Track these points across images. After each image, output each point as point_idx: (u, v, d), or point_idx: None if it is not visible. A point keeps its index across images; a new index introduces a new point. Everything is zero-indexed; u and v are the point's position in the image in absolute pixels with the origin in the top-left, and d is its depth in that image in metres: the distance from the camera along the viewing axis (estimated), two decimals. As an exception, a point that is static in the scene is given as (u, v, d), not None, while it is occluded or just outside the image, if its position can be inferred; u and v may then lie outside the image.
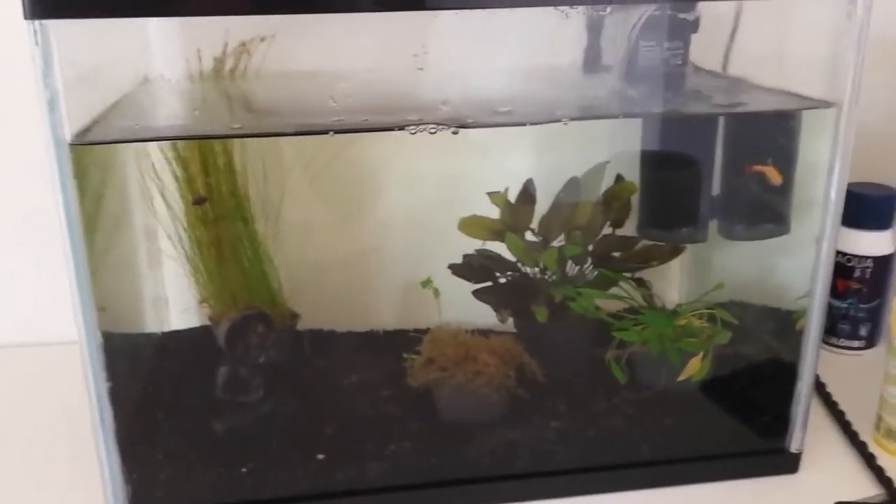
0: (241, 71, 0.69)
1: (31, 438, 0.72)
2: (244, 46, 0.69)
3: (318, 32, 0.66)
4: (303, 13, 0.54)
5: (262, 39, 0.68)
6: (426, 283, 0.68)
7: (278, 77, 0.71)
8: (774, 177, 0.68)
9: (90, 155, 0.55)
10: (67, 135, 0.50)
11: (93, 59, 0.56)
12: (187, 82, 0.68)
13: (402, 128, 0.57)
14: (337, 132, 0.57)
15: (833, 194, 0.59)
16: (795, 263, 0.66)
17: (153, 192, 0.69)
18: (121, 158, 0.68)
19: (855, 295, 0.84)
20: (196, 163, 0.68)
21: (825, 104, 0.59)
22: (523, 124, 0.66)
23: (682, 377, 0.66)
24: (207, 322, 0.72)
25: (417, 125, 0.57)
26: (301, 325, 0.73)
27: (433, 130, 0.56)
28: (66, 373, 0.75)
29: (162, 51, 0.69)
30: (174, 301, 0.77)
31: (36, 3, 0.47)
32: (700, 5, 0.65)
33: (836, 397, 0.75)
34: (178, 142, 0.68)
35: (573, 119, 0.62)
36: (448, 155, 0.71)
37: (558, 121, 0.62)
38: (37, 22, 0.48)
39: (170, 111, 0.69)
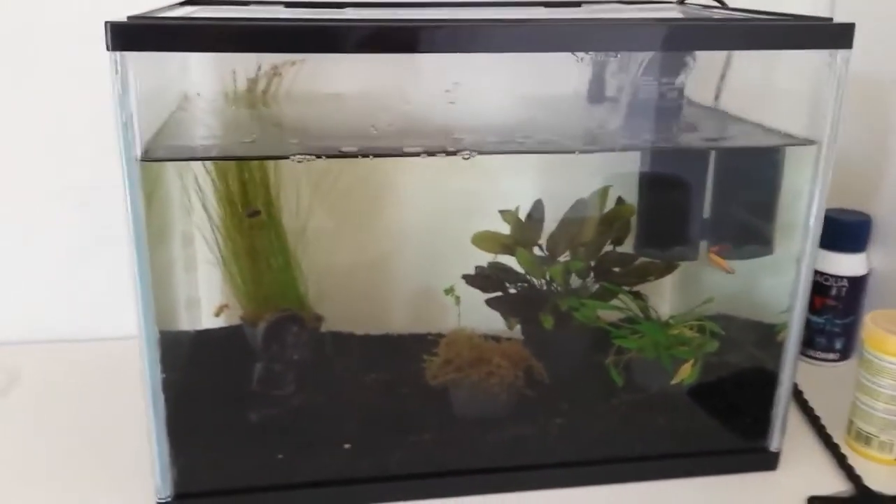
0: (274, 92, 0.74)
1: (85, 425, 0.75)
2: (276, 69, 0.74)
3: (344, 59, 0.71)
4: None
5: (293, 64, 0.73)
6: (449, 290, 0.71)
7: (312, 100, 0.76)
8: (726, 269, 0.72)
9: (148, 169, 0.60)
10: (138, 153, 0.55)
11: (151, 83, 0.60)
12: (222, 100, 0.72)
13: (432, 153, 0.62)
14: (376, 156, 0.62)
15: (812, 220, 0.64)
16: (777, 281, 0.69)
17: (194, 203, 0.74)
18: (167, 172, 0.71)
19: (831, 311, 0.88)
20: (236, 178, 0.73)
21: (807, 142, 0.63)
22: (536, 152, 0.70)
23: (674, 381, 0.70)
24: (237, 322, 0.76)
25: (447, 152, 0.61)
26: (324, 328, 0.77)
27: (467, 157, 0.61)
28: (112, 366, 0.81)
29: (199, 70, 0.73)
30: (205, 302, 0.81)
31: (117, 37, 0.52)
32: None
33: (812, 403, 0.78)
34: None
35: (582, 151, 0.67)
36: (465, 177, 0.73)
37: (570, 152, 0.67)
38: (118, 53, 0.52)
39: (213, 131, 0.72)
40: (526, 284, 0.76)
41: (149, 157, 0.57)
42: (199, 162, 0.72)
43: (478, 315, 0.74)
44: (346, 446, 0.67)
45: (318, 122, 0.74)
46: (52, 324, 0.93)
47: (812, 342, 0.90)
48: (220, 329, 0.80)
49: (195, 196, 0.73)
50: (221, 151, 0.70)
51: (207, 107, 0.73)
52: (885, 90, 0.85)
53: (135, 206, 0.56)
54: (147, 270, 0.58)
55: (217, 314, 0.79)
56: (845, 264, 0.87)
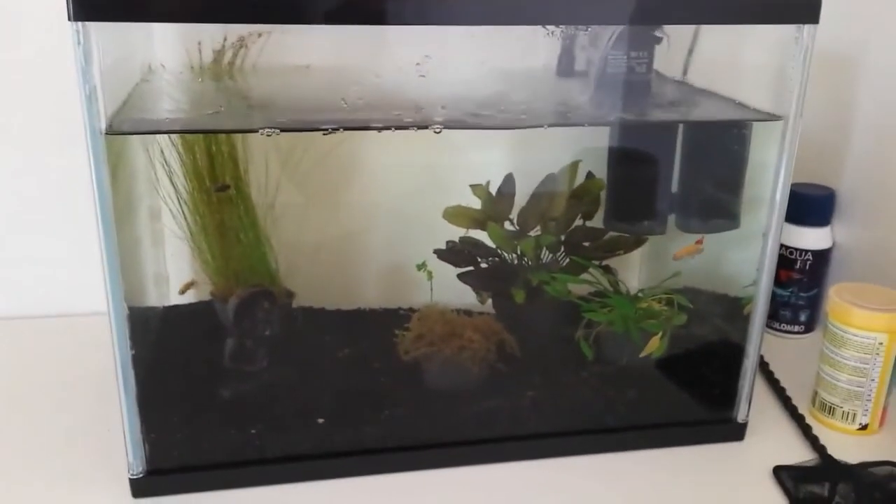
0: (240, 64, 0.73)
1: (57, 402, 0.75)
2: (242, 41, 0.73)
3: (313, 30, 0.70)
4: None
5: (260, 35, 0.72)
6: (421, 266, 0.71)
7: (280, 73, 0.74)
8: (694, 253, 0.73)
9: (114, 143, 0.59)
10: (103, 125, 0.54)
11: (115, 54, 0.59)
12: (188, 73, 0.71)
13: (403, 127, 0.61)
14: (346, 129, 0.61)
15: (778, 195, 0.64)
16: (743, 255, 0.70)
17: (161, 177, 0.72)
18: (133, 145, 0.70)
19: (796, 284, 0.89)
20: (203, 152, 0.72)
21: (773, 117, 0.64)
22: (506, 128, 0.70)
23: (643, 354, 0.71)
24: (207, 298, 0.76)
25: (418, 126, 0.61)
26: (295, 303, 0.77)
27: (438, 130, 0.61)
28: (85, 342, 0.81)
29: (163, 41, 0.72)
30: (174, 278, 0.81)
31: (79, 6, 0.50)
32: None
33: (777, 375, 0.80)
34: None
35: (552, 125, 0.67)
36: (436, 151, 0.74)
37: (539, 126, 0.67)
38: (79, 23, 0.51)
39: (179, 104, 0.71)
40: (497, 259, 0.76)
41: (113, 131, 0.56)
42: (165, 135, 0.71)
43: (449, 290, 0.75)
44: (320, 421, 0.67)
45: (286, 95, 0.73)
46: (20, 300, 0.92)
47: (777, 315, 0.91)
48: (190, 305, 0.79)
49: (162, 170, 0.72)
50: (187, 124, 0.69)
51: (172, 79, 0.72)
52: (847, 65, 0.86)
53: (100, 180, 0.55)
54: (114, 245, 0.57)
55: (182, 292, 0.78)
56: (810, 238, 0.88)
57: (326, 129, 0.62)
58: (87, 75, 0.53)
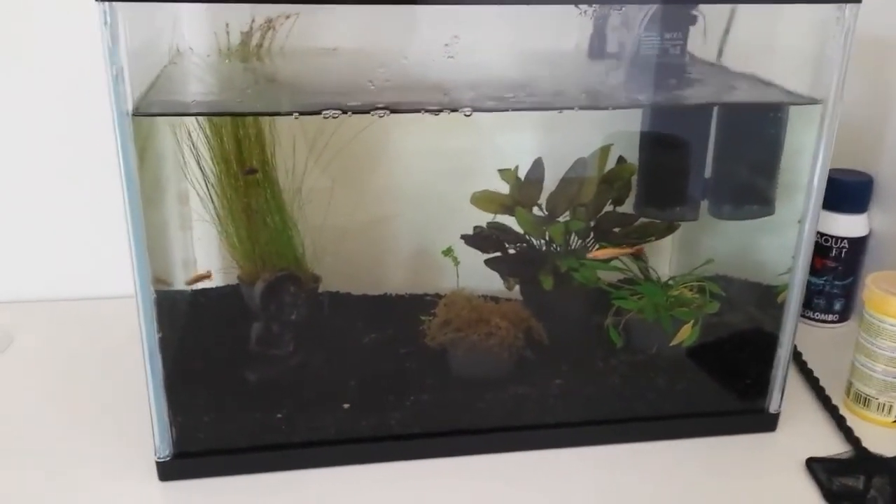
0: (268, 47, 0.72)
1: (85, 385, 0.75)
2: (270, 23, 0.72)
3: (340, 12, 0.69)
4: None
5: (287, 17, 0.71)
6: (447, 251, 0.71)
7: (308, 55, 0.74)
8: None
9: (139, 125, 0.59)
10: (130, 107, 0.54)
11: (142, 36, 0.59)
12: (216, 56, 0.71)
13: (433, 110, 0.60)
14: (376, 112, 0.60)
15: (816, 181, 0.63)
16: (777, 242, 0.69)
17: (188, 160, 0.72)
18: (161, 128, 0.70)
19: (831, 272, 0.88)
20: (231, 135, 0.72)
21: (812, 100, 0.62)
22: (537, 109, 0.69)
23: (673, 342, 0.70)
24: (234, 282, 0.75)
25: (448, 109, 0.60)
26: (322, 288, 0.76)
27: (468, 113, 0.60)
28: (113, 325, 0.81)
29: (191, 24, 0.71)
30: (201, 262, 0.81)
31: None
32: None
33: (811, 365, 0.79)
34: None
35: (583, 108, 0.66)
36: (464, 134, 0.74)
37: (570, 108, 0.66)
38: (107, 4, 0.51)
39: (207, 87, 0.71)
40: (525, 245, 0.76)
41: (140, 112, 0.56)
42: (193, 118, 0.71)
43: (477, 276, 0.74)
44: (345, 406, 0.67)
45: (313, 78, 0.73)
46: (48, 283, 0.92)
47: (811, 303, 0.90)
48: (218, 289, 0.79)
49: (189, 153, 0.72)
50: (215, 107, 0.68)
51: (200, 62, 0.72)
52: (888, 49, 0.84)
53: (127, 163, 0.55)
54: (141, 228, 0.57)
55: (190, 283, 0.77)
56: (846, 225, 0.87)
57: (356, 112, 0.61)
58: (114, 56, 0.53)
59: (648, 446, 0.68)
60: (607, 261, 0.73)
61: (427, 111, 0.61)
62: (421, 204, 0.83)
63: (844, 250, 0.87)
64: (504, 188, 0.74)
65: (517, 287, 0.76)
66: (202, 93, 0.70)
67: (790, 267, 0.67)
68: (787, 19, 0.68)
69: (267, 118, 0.71)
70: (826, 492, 0.62)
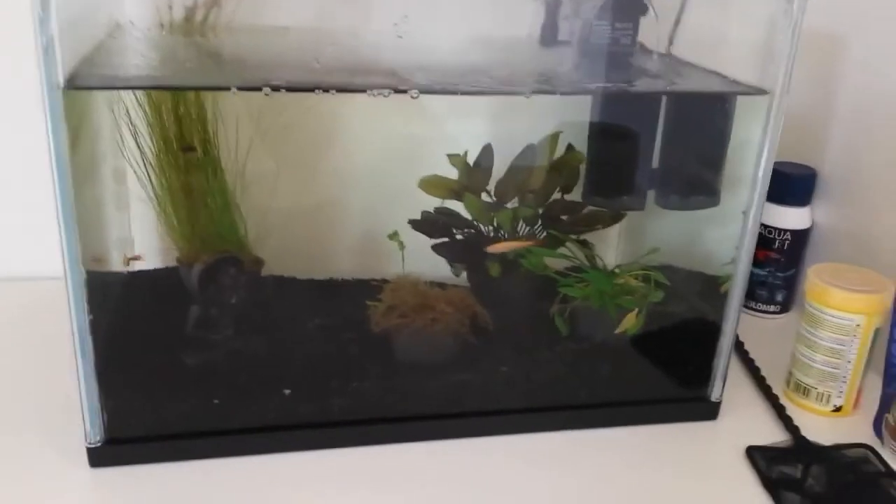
0: (213, 23, 0.70)
1: (13, 368, 0.73)
2: None
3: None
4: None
5: None
6: (393, 235, 0.70)
7: (255, 33, 0.71)
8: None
9: (73, 99, 0.56)
10: (61, 80, 0.52)
11: (77, 7, 0.57)
12: (158, 30, 0.68)
13: (380, 91, 0.59)
14: (320, 90, 0.59)
15: (761, 172, 0.63)
16: (722, 233, 0.70)
17: (126, 137, 0.70)
18: (97, 104, 0.68)
19: (773, 264, 0.89)
20: (171, 111, 0.70)
21: (760, 91, 0.63)
22: (487, 94, 0.68)
23: (618, 330, 0.70)
24: (172, 264, 0.73)
25: (396, 90, 0.59)
26: (265, 271, 0.75)
27: (415, 95, 0.59)
28: (44, 307, 0.78)
29: None
30: (138, 242, 0.78)
31: None
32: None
33: (752, 355, 0.80)
34: (153, 91, 0.68)
35: (534, 92, 0.66)
36: (413, 118, 0.73)
37: (521, 93, 0.66)
38: None
39: (146, 61, 0.68)
40: (473, 231, 0.75)
41: (73, 85, 0.53)
42: (131, 94, 0.68)
43: (423, 261, 0.73)
44: (286, 392, 0.66)
45: (258, 55, 0.71)
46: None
47: (754, 294, 0.91)
48: (156, 271, 0.77)
49: (126, 130, 0.70)
50: (150, 81, 0.66)
51: (141, 36, 0.69)
52: (834, 42, 0.85)
53: (57, 138, 0.53)
54: (71, 206, 0.55)
55: (126, 264, 0.75)
56: (789, 217, 0.88)
57: (299, 90, 0.60)
58: (45, 25, 0.50)
59: (591, 434, 0.68)
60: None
61: (373, 92, 0.59)
62: (368, 187, 0.81)
63: (787, 242, 0.88)
64: (453, 173, 0.73)
65: (464, 274, 0.75)
66: (139, 66, 0.67)
67: (734, 258, 0.67)
68: (736, 11, 0.68)
69: (210, 95, 0.69)
70: (765, 480, 0.63)
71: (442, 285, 0.73)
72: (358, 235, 0.84)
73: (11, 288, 0.87)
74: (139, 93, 0.68)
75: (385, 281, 0.73)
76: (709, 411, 0.71)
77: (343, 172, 0.82)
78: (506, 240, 0.73)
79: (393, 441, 0.65)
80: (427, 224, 0.74)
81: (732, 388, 0.72)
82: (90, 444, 0.60)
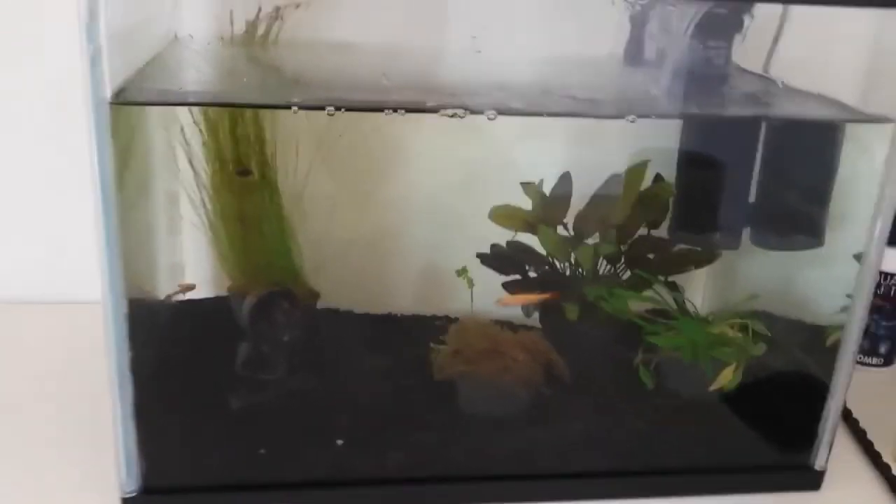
0: (274, 38, 0.67)
1: (48, 401, 0.69)
2: (278, 12, 0.67)
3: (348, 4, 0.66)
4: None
5: (297, 6, 0.67)
6: (462, 272, 0.67)
7: (317, 47, 0.70)
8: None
9: (123, 116, 0.53)
10: (108, 93, 0.49)
11: (131, 15, 0.55)
12: (217, 44, 0.67)
13: (462, 115, 0.55)
14: (394, 110, 0.55)
15: (883, 209, 0.58)
16: (825, 277, 0.65)
17: (179, 158, 0.68)
18: (150, 121, 0.65)
19: (878, 312, 0.82)
20: (227, 132, 0.67)
21: (883, 119, 0.57)
22: (570, 115, 0.64)
23: (713, 387, 0.64)
24: (222, 293, 0.70)
25: (470, 110, 0.55)
26: (319, 305, 0.72)
27: (492, 117, 0.54)
28: (85, 333, 0.74)
29: (191, 9, 0.68)
30: (190, 270, 0.75)
31: None
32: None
33: (856, 414, 0.73)
34: (209, 108, 0.66)
35: (618, 117, 0.61)
36: (485, 141, 0.69)
37: (606, 117, 0.61)
38: None
39: (205, 76, 0.67)
40: (548, 268, 0.71)
41: (121, 100, 0.50)
42: (187, 113, 0.66)
43: (492, 299, 0.70)
44: (339, 442, 0.62)
45: (321, 72, 0.68)
46: (12, 284, 0.87)
47: (855, 344, 0.84)
48: (205, 301, 0.74)
49: (181, 150, 0.67)
50: (205, 98, 0.64)
51: (199, 50, 0.68)
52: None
53: (101, 155, 0.50)
54: (114, 229, 0.52)
55: (180, 293, 0.72)
56: (896, 260, 0.82)
57: (366, 109, 0.57)
58: (92, 33, 0.47)
59: (680, 502, 0.63)
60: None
61: (447, 111, 0.55)
62: (434, 216, 0.78)
63: (894, 287, 0.82)
64: (526, 203, 0.70)
65: (536, 314, 0.71)
66: (194, 82, 0.65)
67: (844, 306, 0.61)
68: (844, 26, 0.63)
69: (269, 116, 0.66)
70: (880, 566, 0.56)
71: (510, 324, 0.69)
72: (421, 268, 0.81)
73: (49, 311, 0.84)
74: (195, 110, 0.66)
75: (449, 319, 0.70)
76: (812, 481, 0.65)
77: (408, 199, 0.79)
78: (519, 293, 0.70)
79: (455, 503, 0.61)
80: (497, 259, 0.71)
81: (835, 453, 0.66)
82: (125, 494, 0.57)
